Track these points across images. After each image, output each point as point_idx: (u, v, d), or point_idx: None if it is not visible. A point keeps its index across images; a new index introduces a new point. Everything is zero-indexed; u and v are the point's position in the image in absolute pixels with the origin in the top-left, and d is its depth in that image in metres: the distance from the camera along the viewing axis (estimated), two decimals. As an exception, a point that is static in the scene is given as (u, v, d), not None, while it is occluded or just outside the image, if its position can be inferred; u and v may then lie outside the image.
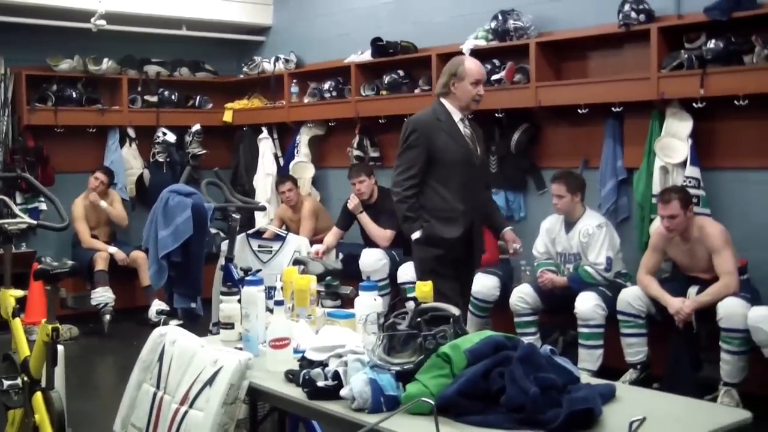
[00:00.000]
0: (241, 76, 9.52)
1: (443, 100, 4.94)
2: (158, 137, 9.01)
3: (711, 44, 5.58)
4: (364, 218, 7.23)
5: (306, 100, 8.65)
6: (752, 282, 5.41)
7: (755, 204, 5.74)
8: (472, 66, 4.94)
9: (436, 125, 4.88)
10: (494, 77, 6.76)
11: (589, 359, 5.55)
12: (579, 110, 6.32)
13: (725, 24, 5.53)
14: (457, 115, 4.92)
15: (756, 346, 4.85)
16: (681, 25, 5.86)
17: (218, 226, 7.94)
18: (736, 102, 5.49)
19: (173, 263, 4.98)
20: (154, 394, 3.24)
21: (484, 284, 6.22)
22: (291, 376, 2.93)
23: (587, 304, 5.56)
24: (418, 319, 2.79)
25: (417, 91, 7.53)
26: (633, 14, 5.93)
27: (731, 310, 4.97)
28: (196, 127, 9.16)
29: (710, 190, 5.77)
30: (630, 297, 5.44)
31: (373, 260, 6.95)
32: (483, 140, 5.11)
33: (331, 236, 7.43)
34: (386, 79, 7.71)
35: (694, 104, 5.68)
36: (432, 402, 2.38)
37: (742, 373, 5.04)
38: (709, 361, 5.30)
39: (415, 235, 4.92)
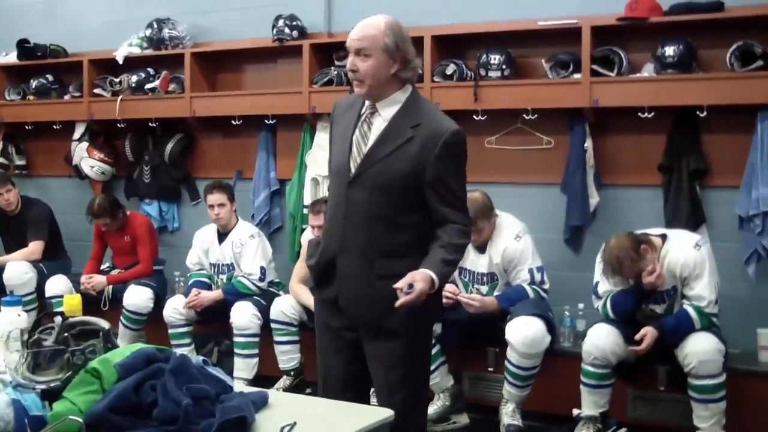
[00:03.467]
0: None
1: None
2: None
3: (358, 62, 5.87)
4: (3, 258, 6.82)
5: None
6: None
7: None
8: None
9: (344, 112, 3.42)
10: (148, 86, 6.68)
11: (245, 368, 5.61)
12: (233, 121, 6.41)
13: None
14: (367, 105, 3.32)
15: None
16: (331, 43, 6.12)
17: None
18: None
19: None
20: None
21: (138, 296, 6.12)
22: None
23: (243, 315, 5.62)
24: (66, 334, 2.69)
25: (67, 97, 7.25)
26: (287, 30, 6.10)
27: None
28: None
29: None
30: (283, 306, 5.55)
31: (18, 273, 6.57)
32: (424, 145, 3.19)
33: (-29, 248, 6.95)
34: (34, 83, 7.34)
35: (343, 119, 5.94)
36: (80, 420, 2.31)
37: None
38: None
39: None
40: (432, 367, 5.04)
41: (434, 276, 3.11)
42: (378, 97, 3.26)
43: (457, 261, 3.32)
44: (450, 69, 5.60)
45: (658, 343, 4.43)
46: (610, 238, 4.56)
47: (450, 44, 5.76)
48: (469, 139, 5.74)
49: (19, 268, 6.61)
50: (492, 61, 5.49)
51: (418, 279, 3.08)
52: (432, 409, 5.10)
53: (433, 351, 5.03)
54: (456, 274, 5.14)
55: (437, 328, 5.05)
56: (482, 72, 5.51)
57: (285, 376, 5.64)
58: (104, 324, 2.76)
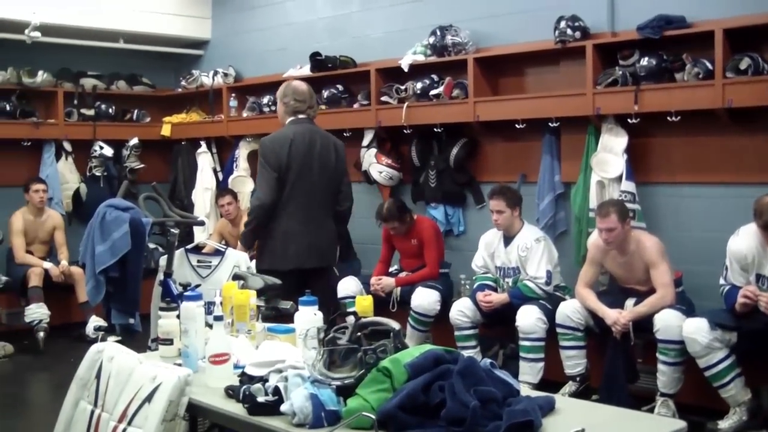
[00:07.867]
0: (179, 89, 9.44)
1: None
2: (95, 151, 8.89)
3: (644, 61, 5.68)
4: None
5: (245, 114, 8.61)
6: (687, 294, 5.50)
7: (689, 217, 5.84)
8: None
9: None
10: (432, 92, 6.80)
11: (530, 372, 5.59)
12: (516, 125, 6.39)
13: (657, 42, 5.64)
14: None
15: (691, 357, 4.92)
16: (615, 43, 5.96)
17: (156, 240, 7.84)
18: (669, 118, 5.60)
19: (110, 279, 4.92)
20: (92, 412, 3.19)
21: (425, 298, 6.25)
22: (231, 392, 2.91)
23: (529, 318, 5.59)
24: (358, 334, 2.78)
25: (356, 105, 7.53)
26: (569, 31, 6.01)
27: (667, 321, 5.04)
28: (134, 140, 9.06)
29: (645, 204, 5.86)
30: (569, 310, 5.48)
31: (311, 274, 6.90)
32: None
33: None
34: (325, 93, 7.69)
35: (628, 120, 5.78)
36: (373, 416, 2.39)
37: (677, 384, 5.11)
38: (645, 372, 5.37)
39: None
40: (727, 379, 4.80)
41: None
42: None
43: (245, 234, 5.53)
44: (744, 63, 5.27)
45: None
46: None
47: (744, 37, 5.43)
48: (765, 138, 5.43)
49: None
50: (793, 53, 5.13)
51: None
52: (727, 423, 4.84)
53: (728, 362, 4.79)
54: (754, 280, 4.85)
55: (732, 337, 4.79)
56: (781, 65, 5.16)
57: (570, 382, 5.55)
58: (395, 325, 2.83)
